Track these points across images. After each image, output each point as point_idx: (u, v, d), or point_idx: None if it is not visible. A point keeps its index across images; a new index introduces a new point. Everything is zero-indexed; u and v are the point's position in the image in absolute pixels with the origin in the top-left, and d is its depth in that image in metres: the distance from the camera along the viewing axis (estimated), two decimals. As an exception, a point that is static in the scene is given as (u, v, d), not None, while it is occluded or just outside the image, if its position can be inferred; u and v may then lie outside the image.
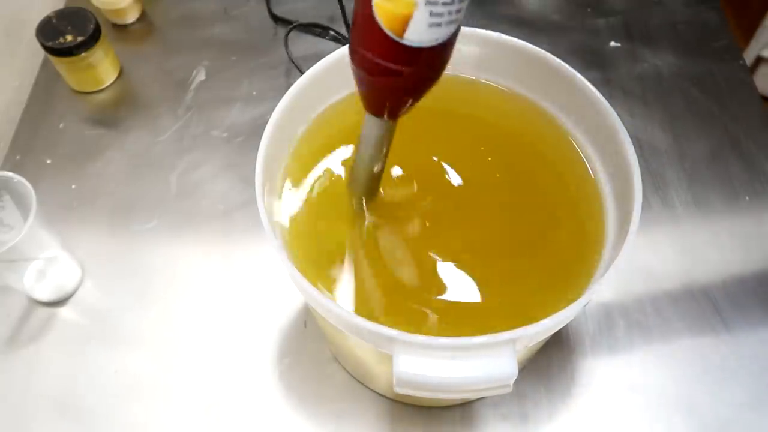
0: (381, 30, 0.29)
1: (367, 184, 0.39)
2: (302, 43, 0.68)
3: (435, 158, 0.44)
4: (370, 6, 0.29)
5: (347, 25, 0.66)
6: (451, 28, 0.29)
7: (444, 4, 0.28)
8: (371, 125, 0.35)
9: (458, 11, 0.29)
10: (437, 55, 0.31)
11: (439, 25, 0.29)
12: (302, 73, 0.41)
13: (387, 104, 0.34)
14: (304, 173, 0.42)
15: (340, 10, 0.65)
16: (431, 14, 0.28)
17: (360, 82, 0.33)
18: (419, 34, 0.29)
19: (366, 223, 0.41)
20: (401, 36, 0.29)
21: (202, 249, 0.55)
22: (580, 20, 0.70)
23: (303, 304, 0.52)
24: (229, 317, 0.52)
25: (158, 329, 0.51)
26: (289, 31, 0.67)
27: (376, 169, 0.38)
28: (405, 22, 0.28)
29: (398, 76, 0.31)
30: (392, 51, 0.29)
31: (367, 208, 0.41)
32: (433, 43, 0.29)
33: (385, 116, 0.34)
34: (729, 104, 0.63)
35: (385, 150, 0.37)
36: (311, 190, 0.42)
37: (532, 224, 0.41)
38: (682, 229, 0.55)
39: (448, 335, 0.34)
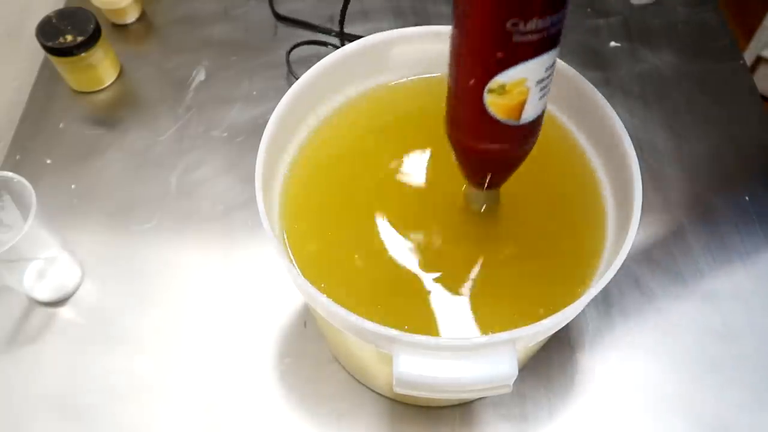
0: (498, 122, 0.30)
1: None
2: (304, 44, 0.68)
3: (434, 158, 0.44)
4: (482, 105, 0.29)
5: (341, 25, 0.65)
6: (550, 89, 0.31)
7: (548, 75, 0.29)
8: (480, 196, 0.38)
9: (553, 71, 0.30)
10: (543, 117, 0.32)
11: (545, 95, 0.30)
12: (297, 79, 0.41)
13: (499, 178, 0.35)
14: (304, 173, 0.42)
15: (340, 13, 0.65)
16: (541, 89, 0.29)
17: (473, 168, 0.34)
18: (533, 111, 0.30)
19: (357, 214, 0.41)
20: (518, 119, 0.30)
21: (202, 249, 0.55)
22: (580, 20, 0.70)
23: (303, 304, 0.52)
24: (229, 317, 0.52)
25: (158, 329, 0.51)
26: (292, 49, 0.67)
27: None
28: (521, 108, 0.29)
29: (516, 151, 0.33)
30: (512, 135, 0.31)
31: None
32: (543, 109, 0.31)
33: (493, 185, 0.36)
34: (729, 104, 0.63)
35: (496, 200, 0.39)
36: (312, 189, 0.42)
37: (531, 224, 0.41)
38: (682, 229, 0.55)
39: (448, 335, 0.34)
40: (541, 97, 0.30)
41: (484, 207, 0.40)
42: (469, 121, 0.31)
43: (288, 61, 0.66)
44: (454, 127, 0.33)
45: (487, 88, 0.28)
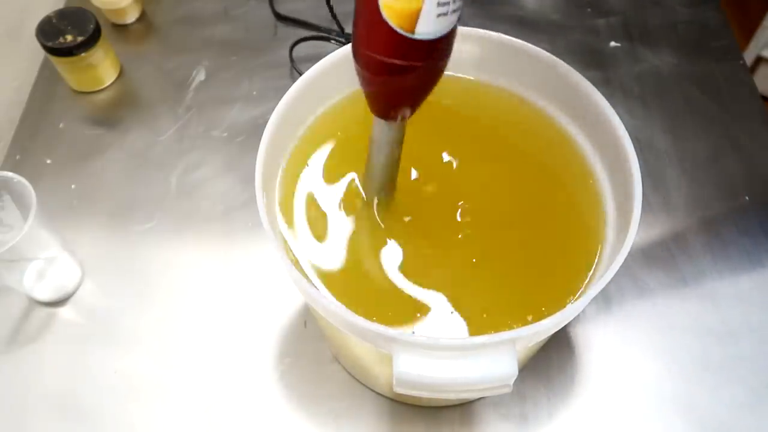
0: (391, 29, 0.29)
1: (383, 185, 0.40)
2: (305, 44, 0.68)
3: (434, 158, 0.44)
4: (377, 7, 0.29)
5: (336, 21, 0.65)
6: (456, 17, 0.30)
7: None
8: (383, 129, 0.36)
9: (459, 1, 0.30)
10: (446, 45, 0.32)
11: (446, 14, 0.29)
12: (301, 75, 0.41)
13: (399, 105, 0.34)
14: (304, 173, 0.42)
15: (331, 9, 0.65)
16: (438, 5, 0.29)
17: (370, 85, 0.33)
18: (429, 26, 0.30)
19: (369, 221, 0.41)
20: (412, 31, 0.29)
21: (202, 249, 0.55)
22: (580, 20, 0.70)
23: (303, 304, 0.52)
24: (229, 317, 0.52)
25: (158, 329, 0.51)
26: (295, 44, 0.67)
27: (391, 170, 0.39)
28: (415, 17, 0.29)
29: (412, 72, 0.31)
30: (404, 48, 0.30)
31: (378, 206, 0.41)
32: (442, 33, 0.30)
33: (398, 118, 0.35)
34: (729, 104, 0.63)
35: (398, 152, 0.38)
36: (311, 189, 0.42)
37: (531, 224, 0.41)
38: (682, 229, 0.55)
39: (448, 335, 0.34)
40: (439, 15, 0.29)
41: (376, 200, 0.40)
42: (365, 24, 0.31)
43: (291, 55, 0.66)
44: (353, 38, 0.32)
45: None
